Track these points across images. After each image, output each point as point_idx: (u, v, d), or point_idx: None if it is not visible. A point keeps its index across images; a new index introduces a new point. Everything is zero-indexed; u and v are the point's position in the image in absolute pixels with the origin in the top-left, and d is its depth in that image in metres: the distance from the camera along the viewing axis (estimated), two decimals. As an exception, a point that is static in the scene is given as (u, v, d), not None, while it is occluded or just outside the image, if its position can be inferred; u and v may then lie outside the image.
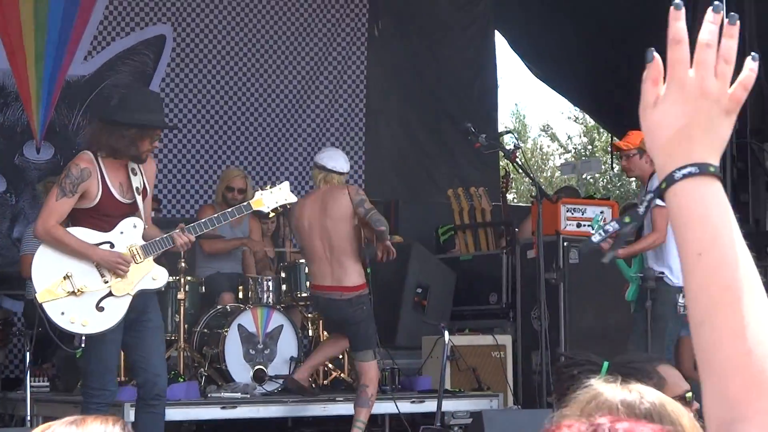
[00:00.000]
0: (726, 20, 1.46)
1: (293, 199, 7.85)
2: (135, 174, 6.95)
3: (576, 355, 5.37)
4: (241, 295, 9.86)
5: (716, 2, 1.48)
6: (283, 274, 10.55)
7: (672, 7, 1.46)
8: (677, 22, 1.46)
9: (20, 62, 12.04)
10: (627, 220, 2.05)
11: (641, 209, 1.70)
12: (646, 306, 9.42)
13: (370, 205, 8.67)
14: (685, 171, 1.43)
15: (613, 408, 2.19)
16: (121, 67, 12.64)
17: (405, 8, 13.98)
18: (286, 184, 7.63)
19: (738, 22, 1.47)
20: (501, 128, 16.27)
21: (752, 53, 1.49)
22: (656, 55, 1.48)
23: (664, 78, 1.47)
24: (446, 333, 8.64)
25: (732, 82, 1.47)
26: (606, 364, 4.31)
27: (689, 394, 4.08)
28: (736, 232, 1.36)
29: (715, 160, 1.44)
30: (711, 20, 1.44)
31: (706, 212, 1.42)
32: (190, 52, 12.62)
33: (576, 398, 2.21)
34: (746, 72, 1.47)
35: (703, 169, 1.42)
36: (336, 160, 9.10)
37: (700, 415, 2.56)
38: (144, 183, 6.97)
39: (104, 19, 12.66)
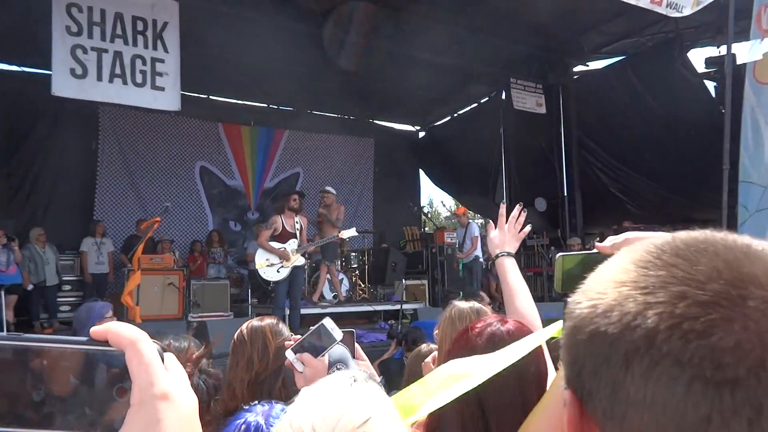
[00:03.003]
0: (521, 210, 1.51)
1: (355, 234, 8.20)
2: (297, 222, 7.58)
3: (452, 289, 6.90)
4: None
5: (520, 205, 1.50)
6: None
7: (500, 204, 1.57)
8: (502, 209, 1.57)
9: (246, 181, 12.62)
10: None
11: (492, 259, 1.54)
12: (475, 270, 9.74)
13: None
14: (501, 254, 1.46)
15: (464, 310, 2.11)
16: (284, 185, 12.65)
17: (387, 160, 14.02)
18: (353, 229, 8.19)
19: (524, 213, 1.51)
20: (423, 203, 16.94)
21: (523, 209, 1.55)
22: (492, 223, 1.54)
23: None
24: (403, 281, 9.36)
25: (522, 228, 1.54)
26: (461, 293, 4.91)
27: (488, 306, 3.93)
28: (517, 275, 1.29)
29: (513, 250, 1.50)
30: (517, 210, 1.52)
31: (507, 269, 1.44)
32: (310, 179, 12.66)
33: (446, 308, 2.18)
34: (526, 227, 1.54)
35: (508, 254, 1.45)
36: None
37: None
38: (301, 225, 7.64)
39: (277, 164, 12.85)
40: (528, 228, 1.53)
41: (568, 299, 0.50)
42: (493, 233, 1.52)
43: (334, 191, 8.97)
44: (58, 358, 0.47)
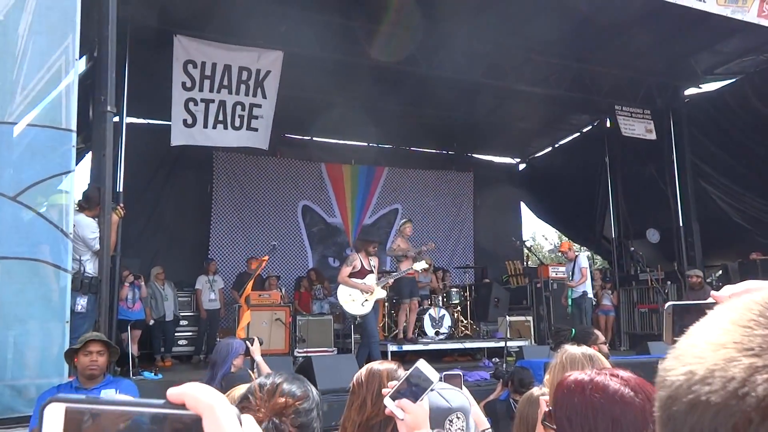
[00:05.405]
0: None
1: (426, 266, 8.33)
2: (371, 261, 7.71)
3: (561, 326, 6.43)
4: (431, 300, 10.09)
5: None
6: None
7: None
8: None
9: (345, 219, 12.84)
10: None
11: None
12: (584, 306, 9.05)
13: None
14: None
15: (577, 356, 1.95)
16: (383, 221, 13.01)
17: (487, 194, 13.92)
18: (423, 261, 8.18)
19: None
20: (526, 236, 16.16)
21: None
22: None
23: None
24: (507, 317, 8.94)
25: None
26: (573, 330, 4.21)
27: (604, 345, 3.89)
28: None
29: None
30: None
31: None
32: (409, 215, 11.66)
33: (557, 353, 2.01)
34: None
35: None
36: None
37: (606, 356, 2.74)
38: (376, 263, 7.80)
39: (376, 201, 13.02)
40: None
41: (659, 365, 0.46)
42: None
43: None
44: (135, 421, 0.46)
